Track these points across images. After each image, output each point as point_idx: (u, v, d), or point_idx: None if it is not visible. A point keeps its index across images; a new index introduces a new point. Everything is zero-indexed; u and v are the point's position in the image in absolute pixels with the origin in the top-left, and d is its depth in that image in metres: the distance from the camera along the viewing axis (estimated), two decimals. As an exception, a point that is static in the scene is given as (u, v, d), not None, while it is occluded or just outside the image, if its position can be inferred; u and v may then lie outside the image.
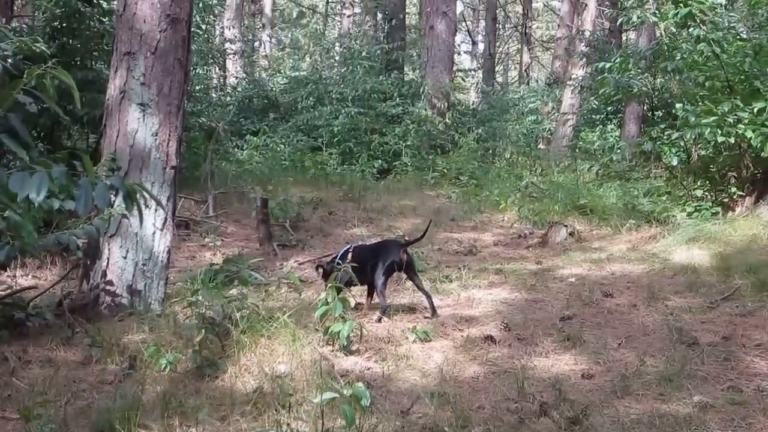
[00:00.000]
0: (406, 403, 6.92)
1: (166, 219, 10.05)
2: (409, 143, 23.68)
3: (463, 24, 43.54)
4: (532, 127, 29.89)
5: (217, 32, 34.61)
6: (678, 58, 15.94)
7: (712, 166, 15.98)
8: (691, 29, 14.66)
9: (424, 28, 28.18)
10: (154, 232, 9.92)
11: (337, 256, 10.25)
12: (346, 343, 8.25)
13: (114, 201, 8.70)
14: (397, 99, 25.44)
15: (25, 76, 4.16)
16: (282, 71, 34.24)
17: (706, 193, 15.60)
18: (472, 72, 41.31)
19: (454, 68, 29.36)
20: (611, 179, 19.55)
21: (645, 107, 22.78)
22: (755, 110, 13.55)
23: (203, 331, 7.98)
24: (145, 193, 4.15)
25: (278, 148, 23.88)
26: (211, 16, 28.15)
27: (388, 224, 16.55)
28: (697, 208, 15.06)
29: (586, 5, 27.94)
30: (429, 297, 9.88)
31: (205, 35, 25.82)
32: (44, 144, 13.56)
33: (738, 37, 15.31)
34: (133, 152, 9.81)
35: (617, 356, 8.19)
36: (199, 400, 7.02)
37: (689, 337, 8.53)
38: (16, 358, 8.13)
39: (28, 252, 8.96)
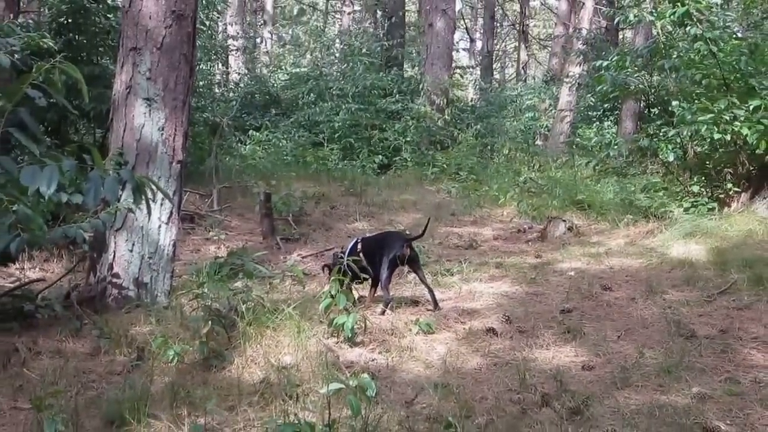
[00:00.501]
0: (410, 394, 6.94)
1: (171, 213, 10.06)
2: (408, 139, 23.71)
3: (462, 22, 43.50)
4: (530, 123, 29.96)
5: (220, 29, 34.59)
6: (675, 56, 16.01)
7: (708, 163, 16.01)
8: (688, 28, 14.67)
9: (424, 25, 28.31)
10: (159, 226, 9.93)
11: (345, 251, 10.24)
12: (350, 335, 8.26)
13: (120, 195, 8.70)
14: (397, 95, 25.49)
15: (33, 71, 4.15)
16: (283, 67, 34.25)
17: (703, 189, 15.66)
18: (471, 69, 41.32)
19: (453, 65, 29.32)
20: (608, 175, 19.57)
21: (641, 104, 22.80)
22: (751, 108, 13.65)
23: (210, 322, 7.99)
24: (153, 187, 4.13)
25: (280, 144, 23.91)
26: (215, 13, 28.14)
27: (390, 218, 16.56)
28: (694, 203, 15.14)
29: (584, 4, 28.02)
30: (431, 290, 9.88)
31: (209, 32, 25.81)
32: (52, 138, 13.58)
33: (734, 36, 15.34)
34: (140, 146, 9.82)
35: (617, 348, 8.20)
36: (206, 390, 7.02)
37: (687, 330, 8.55)
38: (26, 348, 8.13)
39: (38, 245, 8.97)
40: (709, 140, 14.66)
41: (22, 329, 8.81)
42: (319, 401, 6.39)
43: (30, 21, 16.60)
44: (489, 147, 25.99)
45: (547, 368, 7.61)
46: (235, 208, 17.28)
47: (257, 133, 24.87)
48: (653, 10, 16.42)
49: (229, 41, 34.96)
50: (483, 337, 8.61)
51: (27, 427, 6.28)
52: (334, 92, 26.14)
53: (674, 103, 15.87)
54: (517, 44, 49.55)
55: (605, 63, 17.94)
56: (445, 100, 25.47)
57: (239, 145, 23.65)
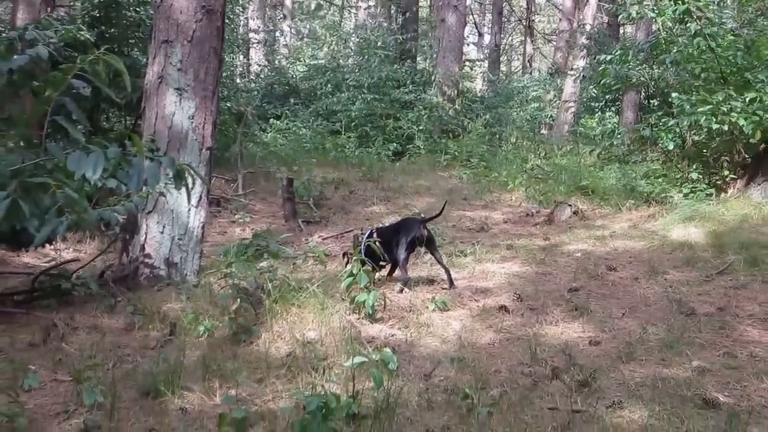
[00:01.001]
0: (428, 367, 6.98)
1: (200, 197, 10.11)
2: (421, 128, 23.66)
3: (471, 17, 43.41)
4: (535, 113, 29.93)
5: (241, 23, 34.56)
6: (675, 51, 16.03)
7: (705, 151, 16.10)
8: (687, 24, 14.69)
9: (436, 20, 28.23)
10: (189, 209, 9.99)
11: (362, 239, 10.27)
12: (371, 312, 8.30)
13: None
14: (410, 86, 25.43)
15: (78, 61, 4.18)
16: (302, 60, 34.20)
17: (701, 176, 15.71)
18: (479, 62, 41.17)
19: (463, 58, 29.26)
20: (611, 162, 19.56)
21: (641, 96, 22.78)
22: (747, 100, 13.75)
23: (238, 300, 8.04)
24: (192, 173, 4.16)
25: (300, 132, 23.92)
26: (239, 8, 28.17)
27: (405, 203, 16.59)
28: (693, 189, 15.20)
29: (588, 1, 27.92)
30: (447, 270, 9.93)
31: (231, 25, 25.80)
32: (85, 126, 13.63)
33: (731, 32, 15.36)
34: (171, 134, 9.88)
35: (621, 325, 8.25)
36: (236, 363, 7.07)
37: (687, 308, 8.62)
38: (64, 324, 8.18)
39: (83, 227, 9.02)
40: (706, 130, 14.73)
41: (59, 306, 8.90)
42: (343, 374, 6.45)
43: (64, 14, 16.63)
44: (497, 135, 25.95)
45: (556, 343, 7.66)
46: (259, 192, 17.32)
47: (278, 122, 24.88)
48: (654, 7, 16.42)
49: (251, 35, 34.92)
50: (496, 314, 8.65)
51: (68, 397, 6.32)
52: (350, 83, 26.12)
53: (674, 94, 15.94)
54: (523, 38, 49.39)
55: (609, 57, 18.03)
56: (455, 91, 25.43)
57: (261, 133, 23.65)
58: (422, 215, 12.94)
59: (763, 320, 8.26)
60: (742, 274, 10.03)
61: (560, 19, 32.90)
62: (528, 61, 47.40)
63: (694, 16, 14.47)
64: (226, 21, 11.96)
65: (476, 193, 18.09)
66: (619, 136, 20.05)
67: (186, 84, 9.92)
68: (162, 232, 9.88)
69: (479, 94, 31.97)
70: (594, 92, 28.04)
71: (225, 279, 8.64)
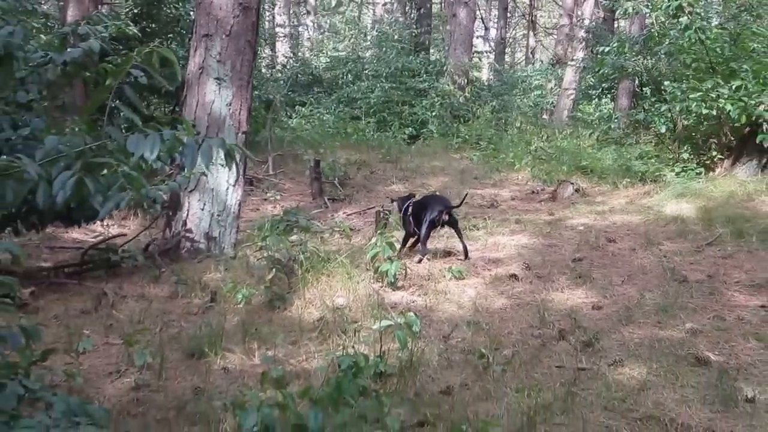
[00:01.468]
0: (446, 330, 7.06)
1: (237, 176, 10.20)
2: (434, 113, 23.58)
3: (478, 12, 43.31)
4: (538, 100, 29.84)
5: (268, 18, 34.57)
6: (667, 43, 16.03)
7: (695, 134, 16.09)
8: (679, 18, 14.69)
9: (448, 15, 28.22)
10: (227, 188, 10.09)
11: (401, 206, 10.45)
12: (393, 280, 8.39)
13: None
14: (424, 76, 25.35)
15: (134, 53, 4.25)
16: (324, 52, 34.17)
17: (691, 157, 15.74)
18: (486, 53, 41.01)
19: (472, 50, 29.18)
20: (608, 144, 19.55)
21: (636, 84, 22.73)
22: (733, 87, 13.82)
23: (273, 270, 8.13)
24: (238, 152, 4.21)
25: (323, 118, 23.92)
26: (269, 4, 28.17)
27: (422, 182, 16.56)
28: (684, 168, 15.22)
29: (586, -4, 27.85)
30: (464, 243, 9.96)
31: (260, 21, 25.79)
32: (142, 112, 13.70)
33: (719, 26, 15.38)
34: (210, 119, 9.98)
35: (621, 291, 8.31)
36: (272, 327, 7.17)
37: (680, 276, 8.65)
38: (113, 293, 8.31)
39: (141, 202, 9.10)
40: (696, 114, 14.69)
41: (108, 277, 9.03)
42: (370, 336, 6.51)
43: (111, 11, 16.69)
44: (503, 120, 25.82)
45: (562, 308, 7.73)
46: (288, 172, 17.37)
47: (303, 109, 24.91)
48: (648, 3, 16.43)
49: (277, 29, 34.96)
50: (507, 282, 8.73)
51: (119, 359, 6.44)
52: (369, 73, 26.10)
53: (666, 83, 15.98)
54: (526, 32, 49.34)
55: (606, 49, 18.01)
56: (465, 80, 25.38)
57: (288, 119, 23.71)
58: (437, 193, 12.99)
59: (749, 286, 8.30)
60: (729, 244, 10.04)
61: (560, 14, 32.78)
62: (531, 52, 47.31)
63: (686, 11, 14.47)
64: (257, 17, 12.01)
65: (486, 172, 18.06)
66: (615, 120, 20.11)
67: (224, 74, 10.02)
68: (203, 209, 9.99)
69: (487, 83, 31.83)
70: (591, 81, 27.88)
71: (260, 251, 8.77)
